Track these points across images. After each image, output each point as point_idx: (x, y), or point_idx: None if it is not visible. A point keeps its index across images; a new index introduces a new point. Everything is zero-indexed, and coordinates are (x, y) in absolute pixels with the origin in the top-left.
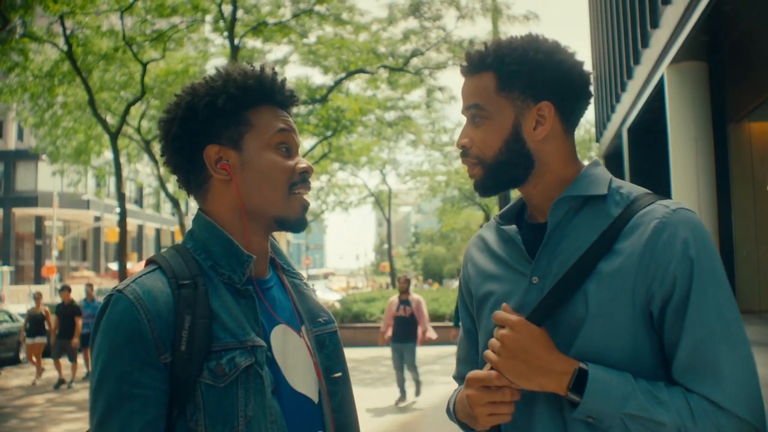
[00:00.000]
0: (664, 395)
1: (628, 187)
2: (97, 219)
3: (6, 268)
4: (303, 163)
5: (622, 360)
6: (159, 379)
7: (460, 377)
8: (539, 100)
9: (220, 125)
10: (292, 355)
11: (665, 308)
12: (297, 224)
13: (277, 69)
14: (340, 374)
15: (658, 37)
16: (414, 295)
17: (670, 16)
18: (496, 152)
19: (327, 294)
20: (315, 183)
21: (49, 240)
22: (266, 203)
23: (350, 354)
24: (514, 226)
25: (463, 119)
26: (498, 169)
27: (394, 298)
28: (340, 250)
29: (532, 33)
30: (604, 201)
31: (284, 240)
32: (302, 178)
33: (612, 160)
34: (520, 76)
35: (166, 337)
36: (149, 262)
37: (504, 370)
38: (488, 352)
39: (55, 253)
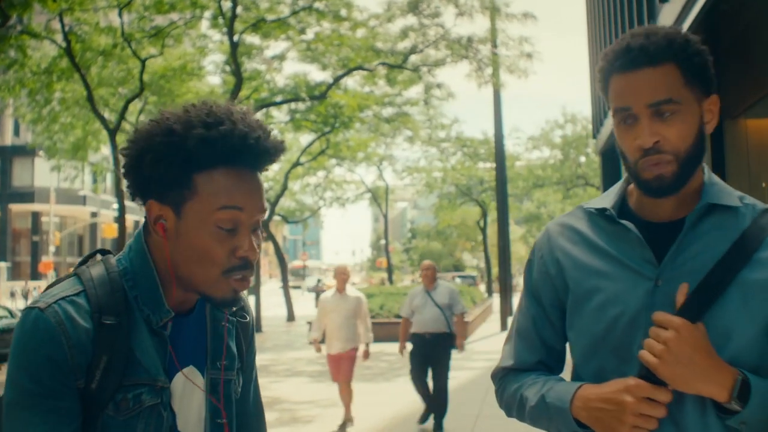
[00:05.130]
0: None
1: (749, 198)
2: (94, 215)
3: (3, 264)
4: (245, 246)
5: (747, 367)
6: (76, 399)
7: (521, 366)
8: (710, 93)
9: (163, 184)
10: (188, 398)
11: None
12: (223, 304)
13: (275, 65)
14: (224, 421)
15: None
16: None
17: (667, 14)
18: (690, 146)
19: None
20: (312, 179)
21: (46, 236)
22: (193, 278)
23: None
24: (632, 224)
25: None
26: (690, 164)
27: None
28: (337, 246)
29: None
30: (732, 211)
31: (281, 235)
32: (242, 263)
33: (608, 156)
34: (701, 69)
35: (83, 366)
36: (75, 274)
37: (666, 375)
38: (647, 354)
39: (51, 249)
